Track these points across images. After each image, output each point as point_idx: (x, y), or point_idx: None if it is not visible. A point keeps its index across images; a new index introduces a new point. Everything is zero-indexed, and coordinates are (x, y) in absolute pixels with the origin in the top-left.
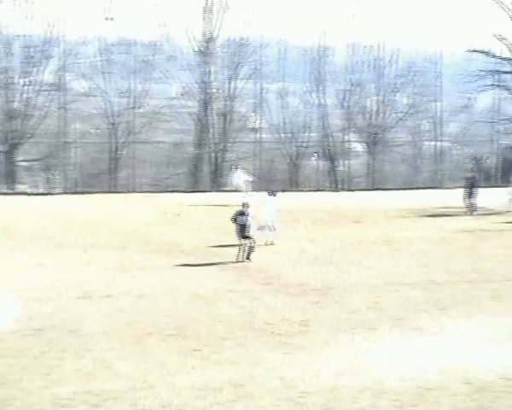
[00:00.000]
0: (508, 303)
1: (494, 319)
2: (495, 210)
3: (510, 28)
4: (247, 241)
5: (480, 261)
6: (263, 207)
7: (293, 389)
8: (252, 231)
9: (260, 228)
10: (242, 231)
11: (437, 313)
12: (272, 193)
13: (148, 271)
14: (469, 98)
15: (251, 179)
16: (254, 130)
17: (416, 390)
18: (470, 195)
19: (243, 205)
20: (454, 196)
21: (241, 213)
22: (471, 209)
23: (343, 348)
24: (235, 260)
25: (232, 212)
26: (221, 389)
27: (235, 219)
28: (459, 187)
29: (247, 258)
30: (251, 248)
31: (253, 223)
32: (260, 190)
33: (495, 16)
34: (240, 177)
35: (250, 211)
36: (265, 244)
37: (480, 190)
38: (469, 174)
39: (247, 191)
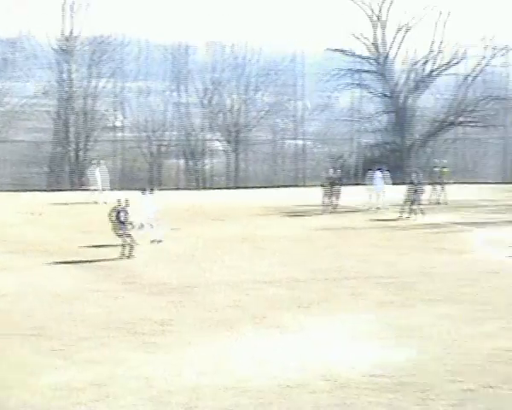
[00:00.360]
0: (367, 301)
1: (355, 317)
2: (356, 208)
3: (369, 27)
4: (127, 239)
5: (341, 259)
6: (142, 206)
7: (156, 389)
8: (131, 230)
9: (141, 227)
10: (122, 229)
11: (299, 311)
12: (150, 191)
13: (9, 271)
14: (330, 97)
15: (110, 177)
16: (115, 128)
17: (278, 388)
18: (331, 194)
19: (119, 202)
20: (315, 195)
21: (120, 211)
22: (330, 208)
23: (205, 348)
24: (97, 259)
25: (95, 210)
26: (83, 389)
27: (114, 217)
28: (321, 185)
29: (129, 256)
30: (131, 247)
31: (133, 221)
32: (122, 188)
33: (354, 16)
34: (99, 175)
35: (128, 209)
36: (148, 242)
37: (342, 188)
38: (332, 173)
39: (104, 189)
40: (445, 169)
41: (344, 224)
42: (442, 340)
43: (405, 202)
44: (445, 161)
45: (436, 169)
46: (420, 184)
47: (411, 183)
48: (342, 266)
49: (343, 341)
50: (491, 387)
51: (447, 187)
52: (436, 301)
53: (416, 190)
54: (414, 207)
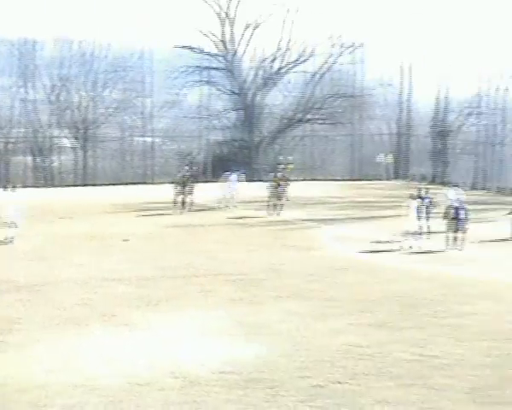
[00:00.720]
0: (217, 298)
1: (204, 314)
2: (206, 206)
3: (217, 25)
4: None
5: (191, 256)
6: (5, 203)
7: (6, 388)
8: None
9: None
10: None
11: (148, 309)
12: (12, 188)
13: None
14: (178, 94)
15: None
16: None
17: (127, 386)
18: (184, 191)
19: None
20: (165, 192)
21: None
22: (181, 206)
23: (54, 346)
24: None
25: None
26: None
27: None
28: (170, 182)
29: None
30: None
31: None
32: None
33: (203, 13)
34: None
35: None
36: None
37: (194, 186)
38: (186, 171)
39: None
40: (289, 166)
41: (194, 221)
42: (291, 336)
43: (270, 198)
44: (289, 157)
45: (281, 166)
46: (284, 180)
47: (275, 179)
48: (192, 264)
49: (193, 338)
50: (339, 383)
51: (293, 184)
52: (285, 298)
53: (279, 187)
54: (278, 203)
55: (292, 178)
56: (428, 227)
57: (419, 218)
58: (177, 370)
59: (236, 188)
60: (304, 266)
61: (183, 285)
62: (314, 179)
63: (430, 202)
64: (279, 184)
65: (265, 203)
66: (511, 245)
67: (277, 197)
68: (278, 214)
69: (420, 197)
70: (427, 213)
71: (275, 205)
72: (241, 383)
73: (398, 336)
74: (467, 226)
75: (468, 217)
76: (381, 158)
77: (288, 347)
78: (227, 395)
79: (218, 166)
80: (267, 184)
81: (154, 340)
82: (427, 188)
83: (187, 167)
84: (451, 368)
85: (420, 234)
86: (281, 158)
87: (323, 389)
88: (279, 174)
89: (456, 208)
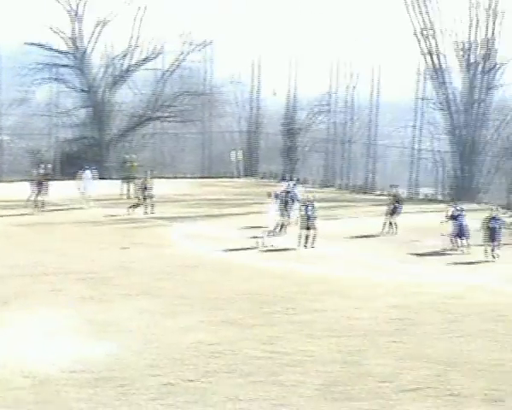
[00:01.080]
0: (67, 296)
1: (55, 313)
2: (58, 204)
3: (67, 21)
4: None
5: (40, 255)
6: None
7: None
8: None
9: None
10: None
11: None
12: None
13: None
14: (27, 91)
15: None
16: None
17: None
18: (39, 190)
19: None
20: (14, 190)
21: None
22: (33, 205)
23: None
24: None
25: None
26: None
27: None
28: (18, 181)
29: None
30: None
31: None
32: None
33: (52, 9)
34: None
35: None
36: None
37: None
38: (42, 169)
39: None
40: (134, 164)
41: (45, 220)
42: (142, 334)
43: (139, 198)
44: (133, 155)
45: (127, 165)
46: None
47: (144, 180)
48: (41, 262)
49: (42, 337)
50: (190, 380)
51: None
52: (135, 296)
53: (146, 189)
54: (149, 203)
55: (134, 176)
56: (285, 225)
57: (278, 215)
58: (26, 369)
59: (90, 186)
60: (154, 263)
61: (32, 284)
62: (163, 177)
63: (292, 198)
64: (145, 187)
65: (129, 203)
66: (359, 242)
67: (149, 197)
68: (153, 213)
69: (276, 195)
70: (289, 210)
71: (146, 206)
72: (91, 381)
73: (249, 333)
74: (316, 223)
75: (316, 214)
76: (233, 155)
77: (139, 345)
78: (77, 393)
79: (67, 165)
80: (132, 184)
81: (3, 339)
82: (294, 185)
83: (43, 165)
84: (302, 365)
85: (275, 231)
86: (126, 157)
87: (174, 387)
88: (148, 175)
89: (306, 206)
